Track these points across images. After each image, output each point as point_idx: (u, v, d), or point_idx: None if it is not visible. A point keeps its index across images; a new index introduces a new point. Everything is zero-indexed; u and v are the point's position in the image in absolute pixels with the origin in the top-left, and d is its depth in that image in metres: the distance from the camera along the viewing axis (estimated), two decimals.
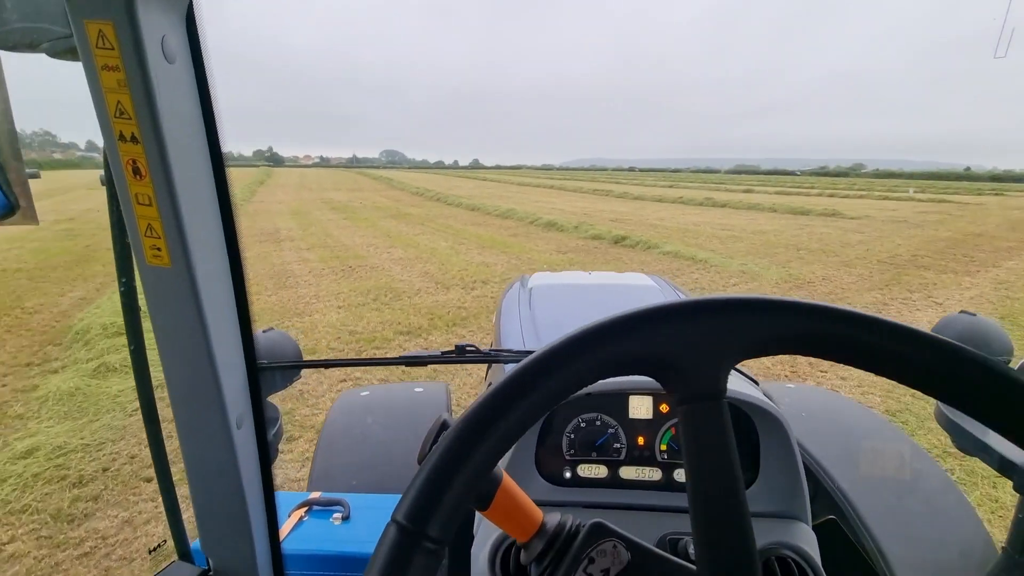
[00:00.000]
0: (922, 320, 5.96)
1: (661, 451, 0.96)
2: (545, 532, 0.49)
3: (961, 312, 0.99)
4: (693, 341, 0.36)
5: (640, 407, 0.96)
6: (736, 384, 0.95)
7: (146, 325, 0.74)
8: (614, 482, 0.96)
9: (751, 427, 0.92)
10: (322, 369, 1.47)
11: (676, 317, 0.36)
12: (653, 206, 23.18)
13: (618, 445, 0.96)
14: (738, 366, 1.03)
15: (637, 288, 1.79)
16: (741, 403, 0.90)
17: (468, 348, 1.08)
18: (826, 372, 4.43)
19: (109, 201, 0.66)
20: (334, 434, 1.44)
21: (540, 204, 22.66)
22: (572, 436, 0.96)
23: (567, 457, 0.97)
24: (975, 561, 0.90)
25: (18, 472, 3.02)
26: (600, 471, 0.96)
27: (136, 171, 0.58)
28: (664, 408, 0.96)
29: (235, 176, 56.70)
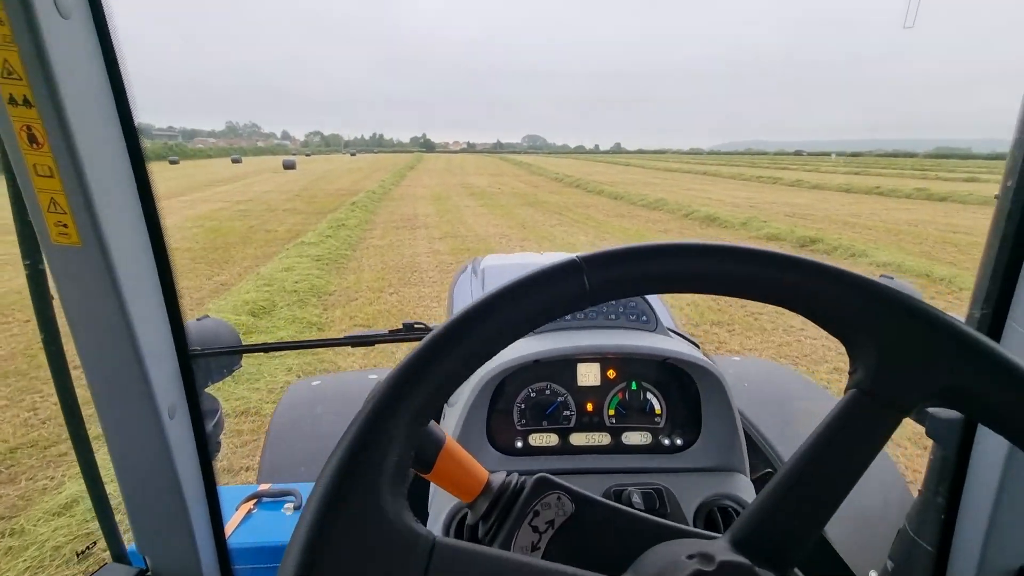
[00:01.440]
0: None
1: (609, 416, 0.97)
2: (490, 491, 0.49)
3: (881, 276, 1.01)
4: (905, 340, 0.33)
5: (588, 374, 0.98)
6: (677, 345, 0.96)
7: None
8: (565, 449, 0.96)
9: (693, 386, 0.95)
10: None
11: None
12: (838, 197, 19.06)
13: (568, 412, 0.98)
14: (678, 329, 1.29)
15: None
16: (683, 363, 0.93)
17: (417, 325, 1.07)
18: None
19: (4, 173, 0.61)
20: (283, 425, 1.38)
21: (693, 193, 19.98)
22: (523, 406, 0.97)
23: (518, 427, 0.97)
24: (895, 505, 0.96)
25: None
26: (551, 439, 0.97)
27: (32, 139, 0.56)
28: (612, 374, 0.98)
29: (389, 161, 62.38)
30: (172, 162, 56.60)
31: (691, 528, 0.41)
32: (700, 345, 1.17)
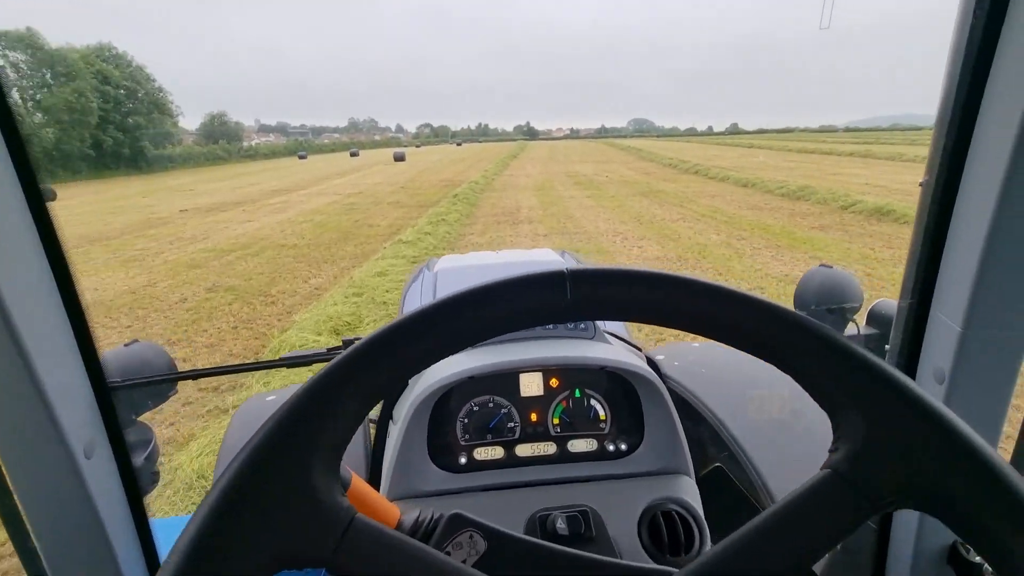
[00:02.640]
0: None
1: (554, 424, 0.97)
2: (403, 531, 0.47)
3: (821, 265, 1.11)
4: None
5: (531, 384, 0.97)
6: (616, 352, 0.96)
7: None
8: (510, 461, 0.95)
9: (635, 394, 0.95)
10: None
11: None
12: None
13: (512, 424, 0.96)
14: (621, 333, 1.30)
15: (541, 265, 1.39)
16: (624, 372, 0.92)
17: (357, 340, 0.88)
18: None
19: None
20: (235, 447, 1.15)
21: (843, 178, 16.77)
22: (466, 421, 0.95)
23: (462, 443, 0.95)
24: None
25: None
26: (496, 452, 0.95)
27: None
28: (554, 383, 0.97)
29: (493, 150, 62.86)
30: (301, 157, 62.19)
31: (615, 562, 0.41)
32: (643, 348, 1.19)
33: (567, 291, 0.34)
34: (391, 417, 0.99)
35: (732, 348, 0.36)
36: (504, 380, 0.96)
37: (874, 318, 1.01)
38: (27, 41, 39.24)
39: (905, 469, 0.30)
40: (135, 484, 0.74)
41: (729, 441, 1.00)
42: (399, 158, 40.05)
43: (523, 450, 0.95)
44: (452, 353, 0.35)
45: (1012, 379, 0.64)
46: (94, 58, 44.60)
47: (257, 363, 1.08)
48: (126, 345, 1.02)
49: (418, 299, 1.59)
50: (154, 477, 0.92)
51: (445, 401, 0.94)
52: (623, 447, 0.95)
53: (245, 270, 7.61)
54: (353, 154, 62.89)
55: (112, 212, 16.24)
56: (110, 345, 1.03)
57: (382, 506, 0.50)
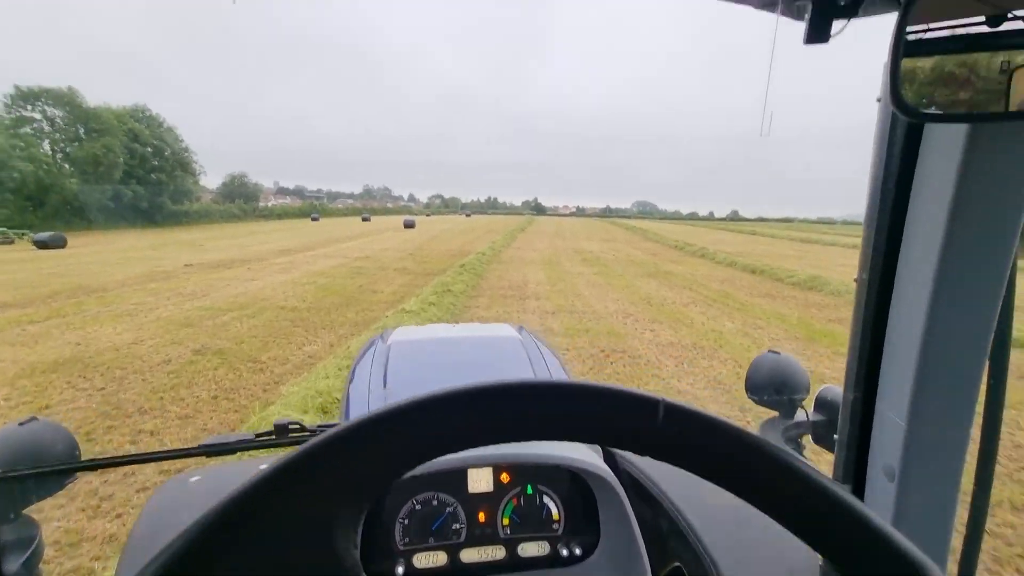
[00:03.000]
0: None
1: (503, 526, 0.89)
2: None
3: (769, 351, 1.11)
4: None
5: (480, 480, 0.89)
6: (575, 448, 0.89)
7: None
8: (455, 569, 0.86)
9: (590, 491, 0.90)
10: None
11: None
12: None
13: (457, 525, 0.88)
14: None
15: (499, 341, 1.62)
16: (580, 471, 0.87)
17: (292, 426, 0.94)
18: None
19: None
20: (147, 533, 1.06)
21: (850, 270, 16.74)
22: (406, 522, 0.86)
23: (400, 548, 0.85)
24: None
25: None
26: (439, 558, 0.86)
27: None
28: (505, 478, 0.90)
29: (501, 223, 64.46)
30: (313, 219, 64.12)
31: None
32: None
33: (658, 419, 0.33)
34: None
35: None
36: (450, 476, 0.88)
37: (822, 404, 1.00)
38: (67, 99, 41.75)
39: None
40: None
41: (687, 531, 0.93)
42: (409, 225, 40.90)
43: (469, 555, 0.87)
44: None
45: (958, 475, 0.65)
46: (127, 117, 47.15)
47: (171, 451, 0.94)
48: (20, 424, 0.91)
49: (368, 371, 1.44)
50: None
51: (381, 501, 0.86)
52: (577, 551, 0.89)
53: (239, 332, 7.25)
54: (365, 219, 64.73)
55: (117, 263, 16.18)
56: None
57: None
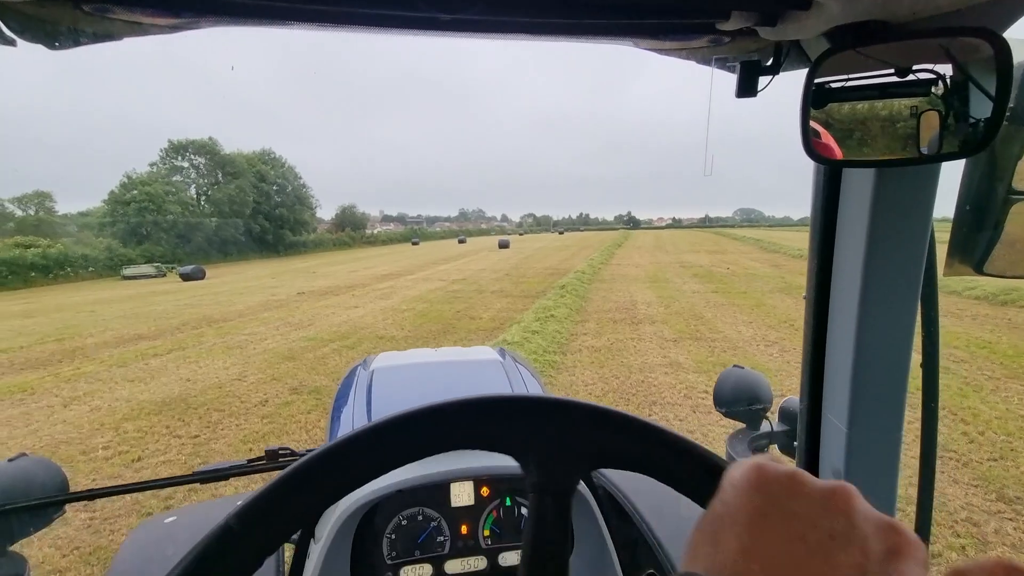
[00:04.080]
0: None
1: (484, 537, 0.94)
2: None
3: (734, 367, 1.18)
4: (552, 438, 0.41)
5: (461, 494, 0.93)
6: None
7: None
8: None
9: None
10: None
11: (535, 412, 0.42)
12: None
13: (441, 538, 0.92)
14: None
15: (480, 364, 1.65)
16: None
17: (282, 451, 1.00)
18: None
19: None
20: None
21: None
22: (393, 537, 0.90)
23: (388, 562, 0.90)
24: None
25: None
26: (425, 570, 0.91)
27: None
28: (485, 491, 0.94)
29: (596, 239, 63.39)
30: (414, 243, 67.76)
31: None
32: None
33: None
34: (312, 535, 0.85)
35: None
36: (434, 490, 0.91)
37: (784, 415, 1.04)
38: (208, 148, 48.24)
39: (573, 458, 0.40)
40: None
41: (655, 547, 0.96)
42: (503, 245, 41.03)
43: (453, 566, 0.91)
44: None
45: (895, 476, 0.73)
46: (256, 160, 53.44)
47: (164, 479, 0.97)
48: (10, 460, 0.94)
49: (351, 398, 1.41)
50: None
51: (371, 516, 0.88)
52: None
53: (336, 367, 6.90)
54: (461, 240, 66.73)
55: (241, 292, 17.46)
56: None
57: None
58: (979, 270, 0.67)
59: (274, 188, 54.76)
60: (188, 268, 27.24)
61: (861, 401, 0.70)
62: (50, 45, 0.58)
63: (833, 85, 0.57)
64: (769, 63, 0.66)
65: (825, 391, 0.76)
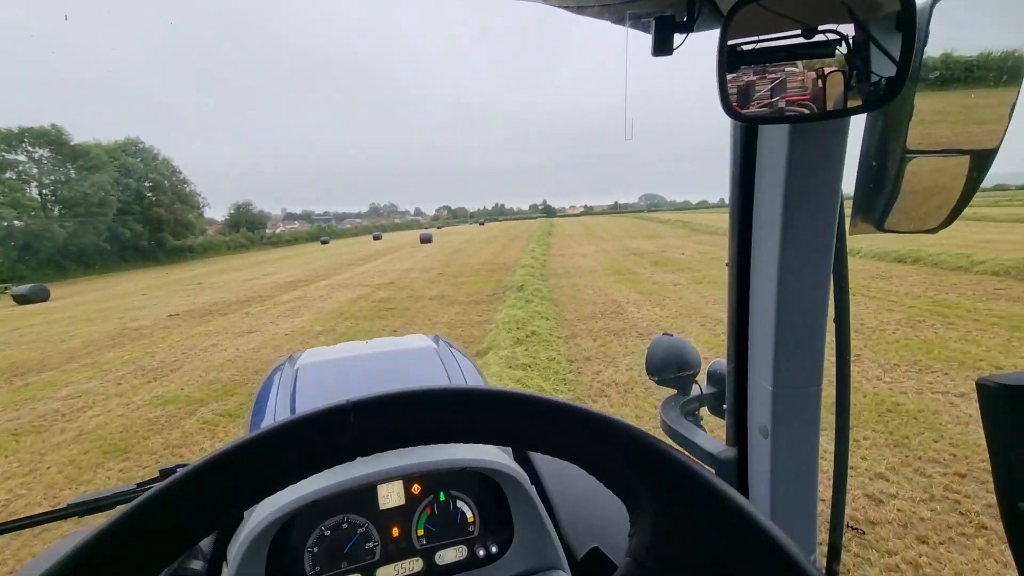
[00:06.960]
0: None
1: (419, 536, 0.88)
2: None
3: (664, 334, 1.15)
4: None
5: (390, 495, 0.87)
6: (484, 451, 0.91)
7: None
8: None
9: (503, 494, 0.91)
10: None
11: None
12: None
13: (371, 544, 0.86)
14: None
15: (413, 353, 1.50)
16: (488, 472, 0.88)
17: (180, 468, 0.86)
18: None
19: None
20: None
21: (974, 236, 12.96)
22: (315, 550, 0.83)
23: None
24: None
25: None
26: None
27: None
28: (416, 489, 0.89)
29: (519, 228, 61.62)
30: (323, 242, 61.21)
31: None
32: None
33: (349, 425, 0.33)
34: (224, 558, 0.80)
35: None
36: (359, 495, 0.85)
37: (712, 378, 1.05)
38: (51, 137, 39.29)
39: (695, 554, 0.32)
40: None
41: (594, 518, 0.97)
42: (426, 240, 37.66)
43: (386, 572, 0.86)
44: (236, 511, 0.33)
45: (816, 429, 0.75)
46: (119, 152, 44.75)
47: (35, 516, 0.85)
48: None
49: (274, 398, 1.26)
50: None
51: (287, 531, 0.81)
52: (494, 549, 0.90)
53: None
54: (376, 237, 61.54)
55: (89, 318, 13.12)
56: None
57: None
58: (880, 227, 0.68)
59: (146, 185, 46.52)
60: (24, 288, 21.34)
61: (784, 360, 0.72)
62: None
63: (745, 48, 0.57)
64: (684, 20, 0.67)
65: (750, 352, 0.78)
